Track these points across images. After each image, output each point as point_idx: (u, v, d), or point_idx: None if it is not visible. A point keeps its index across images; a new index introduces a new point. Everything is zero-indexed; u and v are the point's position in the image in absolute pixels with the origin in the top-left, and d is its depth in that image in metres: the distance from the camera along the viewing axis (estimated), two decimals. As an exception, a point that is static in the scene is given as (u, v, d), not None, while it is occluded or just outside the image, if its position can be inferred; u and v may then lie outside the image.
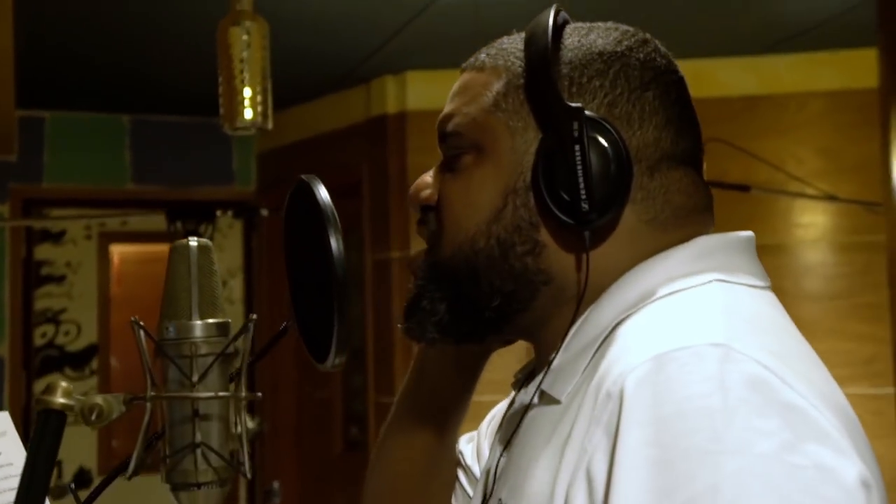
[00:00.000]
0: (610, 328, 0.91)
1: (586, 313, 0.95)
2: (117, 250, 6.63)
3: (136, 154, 5.74)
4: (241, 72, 2.39)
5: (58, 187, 5.59)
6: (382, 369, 4.85)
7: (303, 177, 0.94)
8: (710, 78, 4.96)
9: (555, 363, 0.94)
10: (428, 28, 4.25)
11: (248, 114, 2.40)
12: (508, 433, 0.99)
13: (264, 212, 3.79)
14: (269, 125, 2.45)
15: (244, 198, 5.59)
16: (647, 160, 0.94)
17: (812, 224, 4.84)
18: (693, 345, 0.81)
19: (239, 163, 5.74)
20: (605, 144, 0.91)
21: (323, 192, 0.91)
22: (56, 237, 5.73)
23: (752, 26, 4.63)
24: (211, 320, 0.91)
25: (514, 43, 1.01)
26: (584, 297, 0.94)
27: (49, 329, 5.71)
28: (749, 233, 0.98)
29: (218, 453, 0.89)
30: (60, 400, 0.89)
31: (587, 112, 0.91)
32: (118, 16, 4.34)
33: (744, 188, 3.56)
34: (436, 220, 1.02)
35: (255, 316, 0.91)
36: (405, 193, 1.05)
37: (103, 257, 5.90)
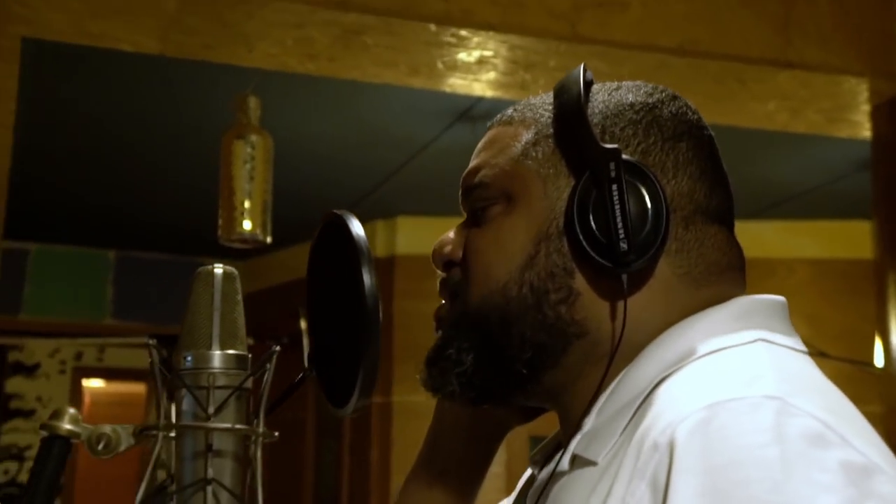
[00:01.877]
0: (650, 388, 0.86)
1: (621, 375, 0.90)
2: (90, 390, 6.51)
3: (118, 289, 5.69)
4: (243, 183, 2.37)
5: (35, 320, 5.52)
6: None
7: (336, 211, 0.90)
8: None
9: (588, 426, 0.89)
10: (420, 173, 4.29)
11: (247, 225, 2.38)
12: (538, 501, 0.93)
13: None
14: (268, 238, 2.43)
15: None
16: (682, 210, 0.92)
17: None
18: (747, 396, 0.76)
19: (222, 304, 5.67)
20: (642, 187, 0.88)
21: (357, 227, 0.88)
22: (29, 370, 5.63)
23: (740, 190, 4.67)
24: (231, 351, 0.86)
25: (541, 99, 1.00)
26: (618, 348, 0.89)
27: (12, 466, 5.55)
28: (782, 298, 0.94)
29: (230, 491, 0.83)
30: (67, 426, 0.83)
31: (625, 156, 0.89)
32: (109, 153, 4.37)
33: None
34: (462, 273, 0.98)
35: (278, 347, 0.86)
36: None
37: (76, 393, 5.79)
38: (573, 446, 0.88)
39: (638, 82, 1.00)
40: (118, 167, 4.54)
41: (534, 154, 0.95)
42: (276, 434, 0.89)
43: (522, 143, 0.96)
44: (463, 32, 2.49)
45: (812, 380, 0.85)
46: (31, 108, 3.80)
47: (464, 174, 1.00)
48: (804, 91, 2.87)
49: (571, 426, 0.93)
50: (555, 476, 0.90)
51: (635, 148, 0.92)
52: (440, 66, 2.64)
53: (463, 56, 2.60)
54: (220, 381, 0.84)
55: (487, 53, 2.58)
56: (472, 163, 1.00)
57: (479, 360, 0.94)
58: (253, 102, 2.56)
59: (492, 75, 2.68)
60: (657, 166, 0.92)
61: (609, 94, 0.96)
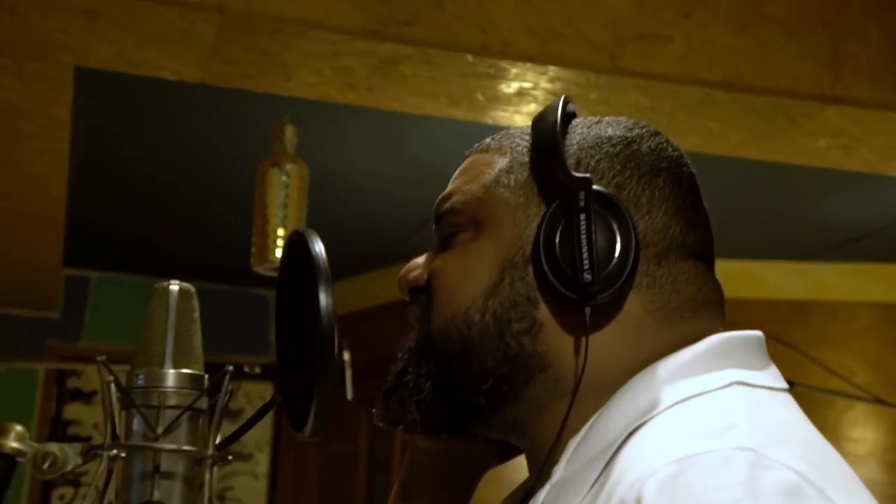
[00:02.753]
0: (622, 438, 0.83)
1: (592, 421, 0.86)
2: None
3: (176, 319, 5.73)
4: (277, 211, 2.37)
5: (95, 347, 5.58)
6: None
7: (299, 230, 0.89)
8: (757, 279, 4.91)
9: (557, 476, 0.85)
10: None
11: (279, 252, 2.37)
12: None
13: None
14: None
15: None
16: (654, 246, 0.89)
17: (862, 439, 4.69)
18: (718, 448, 0.72)
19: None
20: (612, 219, 0.86)
21: (318, 245, 0.86)
22: (87, 396, 5.69)
23: (800, 231, 4.61)
24: (185, 370, 0.84)
25: (520, 130, 0.99)
26: (579, 384, 0.86)
27: (68, 492, 5.60)
28: (759, 332, 0.91)
29: (176, 514, 0.80)
30: (13, 444, 0.82)
31: (595, 186, 0.87)
32: (168, 185, 4.42)
33: (788, 384, 3.43)
34: (426, 297, 0.96)
35: (231, 368, 0.84)
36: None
37: (132, 421, 5.83)
38: (542, 497, 0.85)
39: (621, 118, 0.99)
40: (178, 199, 4.59)
41: (506, 182, 0.94)
42: (230, 458, 0.88)
43: (496, 170, 0.95)
44: (501, 64, 2.48)
45: (791, 426, 0.81)
46: (87, 137, 3.86)
47: (436, 201, 0.98)
48: (855, 128, 2.80)
49: (538, 467, 0.90)
50: None
51: (610, 181, 0.90)
52: (480, 97, 2.62)
53: (503, 87, 2.58)
54: (172, 401, 0.83)
55: (527, 85, 2.56)
56: (446, 190, 0.98)
57: (437, 387, 0.92)
58: (289, 131, 2.56)
59: (532, 107, 2.66)
60: (632, 200, 0.90)
61: (588, 128, 0.95)
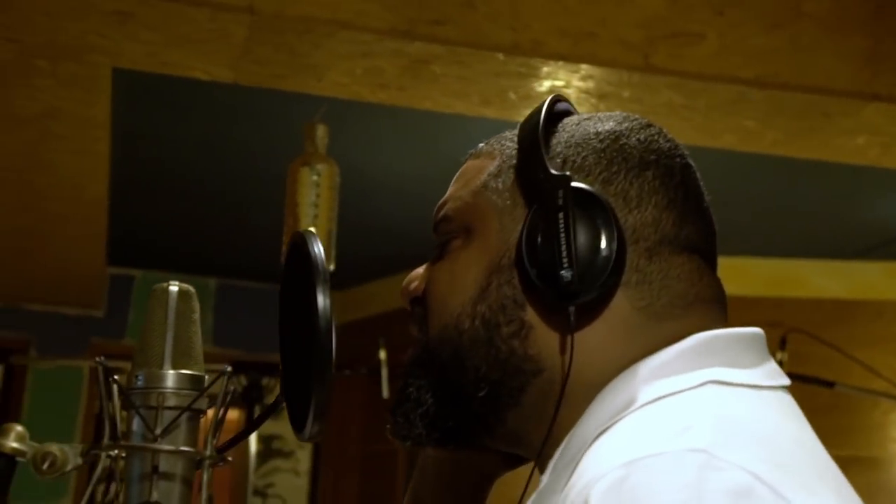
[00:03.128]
0: (592, 440, 0.81)
1: (576, 426, 0.85)
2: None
3: (218, 317, 5.78)
4: (308, 211, 2.37)
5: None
6: None
7: (299, 231, 0.88)
8: (800, 279, 4.86)
9: (543, 483, 0.85)
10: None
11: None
12: None
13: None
14: (332, 267, 2.42)
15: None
16: (644, 241, 0.87)
17: (908, 439, 4.63)
18: (669, 450, 0.71)
19: (318, 334, 5.73)
20: (595, 216, 0.84)
21: (317, 247, 0.85)
22: (130, 394, 5.73)
23: (843, 231, 4.55)
24: (185, 371, 0.84)
25: (512, 133, 0.97)
26: (565, 386, 0.84)
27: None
28: (758, 329, 0.89)
29: (173, 515, 0.81)
30: (12, 444, 0.83)
31: (575, 183, 0.85)
32: (206, 185, 4.45)
33: (828, 384, 3.39)
34: (422, 309, 0.96)
35: (229, 368, 0.85)
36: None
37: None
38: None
39: (614, 112, 0.97)
40: (209, 197, 4.63)
41: (494, 186, 0.93)
42: (230, 459, 0.88)
43: (486, 175, 0.94)
44: (533, 62, 2.47)
45: (758, 425, 0.78)
46: (126, 138, 3.90)
47: (435, 208, 0.98)
48: (894, 126, 2.76)
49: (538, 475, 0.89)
50: None
51: (597, 177, 0.89)
52: (512, 96, 2.61)
53: (535, 86, 2.57)
54: (171, 402, 0.83)
55: (558, 83, 2.55)
56: (443, 197, 0.98)
57: (437, 398, 0.91)
58: (320, 130, 2.57)
59: (564, 106, 2.64)
60: (619, 195, 0.88)
61: (577, 125, 0.94)
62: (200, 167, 4.27)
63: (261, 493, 5.82)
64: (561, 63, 2.46)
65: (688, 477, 0.67)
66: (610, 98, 2.58)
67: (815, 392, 3.70)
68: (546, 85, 2.55)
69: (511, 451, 0.96)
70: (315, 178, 2.43)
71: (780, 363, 3.37)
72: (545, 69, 2.48)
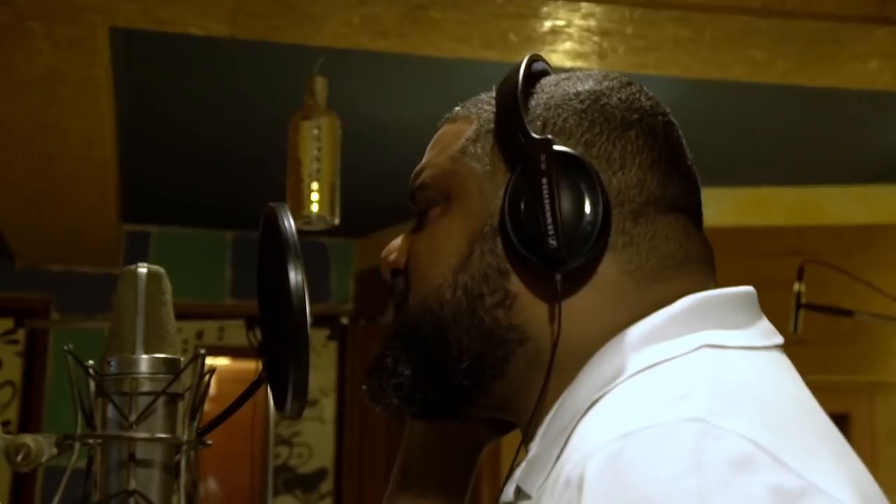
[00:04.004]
0: (584, 409, 0.79)
1: (565, 393, 0.82)
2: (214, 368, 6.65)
3: (236, 270, 5.78)
4: (310, 165, 2.34)
5: (159, 301, 5.64)
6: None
7: (271, 204, 0.85)
8: (817, 207, 4.80)
9: (532, 452, 0.82)
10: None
11: (315, 207, 2.35)
12: None
13: (344, 320, 3.71)
14: (336, 220, 2.40)
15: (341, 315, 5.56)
16: (630, 203, 0.84)
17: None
18: (665, 421, 0.68)
19: (337, 282, 5.73)
20: (579, 180, 0.81)
21: (286, 220, 0.83)
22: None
23: (862, 155, 4.49)
24: (158, 355, 0.82)
25: (489, 94, 0.94)
26: (554, 354, 0.82)
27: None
28: (749, 288, 0.86)
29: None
30: (-15, 438, 0.81)
31: (557, 147, 0.82)
32: (213, 139, 4.42)
33: (846, 312, 3.36)
34: (402, 280, 0.93)
35: (203, 350, 0.82)
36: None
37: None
38: (517, 475, 0.82)
39: (593, 71, 0.93)
40: (216, 151, 4.61)
41: (472, 151, 0.90)
42: (209, 442, 0.86)
43: (463, 140, 0.91)
44: (532, 3, 2.41)
45: (760, 387, 0.76)
46: (131, 97, 3.86)
47: (411, 176, 0.94)
48: (907, 49, 2.70)
49: (525, 445, 0.86)
50: None
51: (578, 139, 0.85)
52: (513, 38, 2.56)
53: (535, 27, 2.52)
54: (145, 387, 0.81)
55: (560, 23, 2.49)
56: (419, 164, 0.94)
57: (418, 373, 0.89)
58: (319, 83, 2.53)
59: (567, 45, 2.59)
60: (602, 157, 0.85)
61: (556, 85, 0.90)
62: (209, 122, 4.24)
63: (287, 442, 5.85)
64: (561, 2, 2.40)
65: (686, 447, 0.65)
66: (613, 35, 2.52)
67: (836, 320, 3.67)
68: (547, 25, 2.50)
69: (497, 416, 0.94)
70: (316, 131, 2.39)
71: (799, 294, 3.33)
72: (545, 9, 2.43)
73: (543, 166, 0.81)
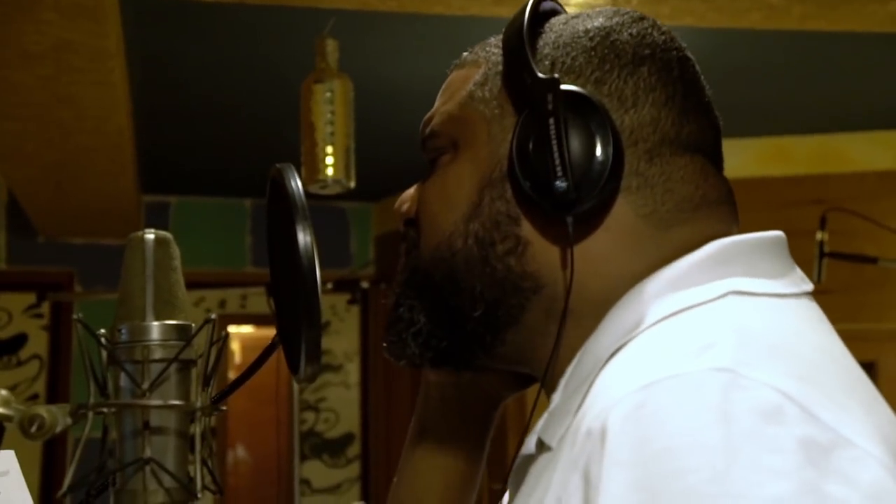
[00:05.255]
0: (605, 359, 0.77)
1: (587, 342, 0.80)
2: (240, 336, 6.66)
3: (256, 237, 5.78)
4: (324, 129, 2.32)
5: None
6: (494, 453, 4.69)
7: (277, 165, 0.84)
8: (838, 153, 4.75)
9: (554, 403, 0.80)
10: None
11: (330, 171, 2.33)
12: (514, 489, 0.85)
13: (364, 284, 3.70)
14: (352, 184, 2.38)
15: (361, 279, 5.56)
16: (644, 142, 0.81)
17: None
18: (691, 371, 0.66)
19: (357, 246, 5.73)
20: (588, 119, 0.79)
21: (294, 181, 0.81)
22: (177, 320, 5.78)
23: (884, 100, 4.43)
24: (169, 322, 0.81)
25: (496, 38, 0.91)
26: (568, 300, 0.80)
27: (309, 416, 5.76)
28: (779, 232, 0.83)
29: (169, 472, 0.78)
30: (-1, 409, 0.80)
31: (564, 86, 0.80)
32: (229, 106, 4.40)
33: (870, 259, 3.32)
34: (414, 230, 0.91)
35: (214, 315, 0.81)
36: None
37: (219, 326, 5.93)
38: (539, 426, 0.80)
39: (604, 7, 0.90)
40: (233, 118, 4.59)
41: (480, 95, 0.87)
42: (224, 408, 0.85)
43: (471, 84, 0.88)
44: (543, -45, 2.38)
45: (788, 338, 0.73)
46: (144, 65, 3.84)
47: (421, 125, 0.92)
48: (927, -11, 2.65)
49: (545, 397, 0.85)
50: (525, 459, 0.82)
51: (588, 77, 0.82)
52: (525, -8, 2.53)
53: (547, -20, 2.48)
54: (157, 354, 0.79)
55: (571, -25, 2.46)
56: (428, 113, 0.92)
57: (432, 319, 0.87)
58: (330, 46, 2.50)
59: (580, -2, 2.56)
60: (614, 95, 0.82)
61: (565, 24, 0.87)
62: (224, 88, 4.22)
63: (313, 407, 5.88)
64: (572, -47, 2.37)
65: (713, 398, 0.63)
66: (627, -14, 2.49)
67: (860, 268, 3.63)
68: (559, -23, 2.46)
69: (514, 369, 0.92)
70: (328, 94, 2.37)
71: (822, 243, 3.30)
72: (557, -39, 2.39)
73: (550, 106, 0.79)
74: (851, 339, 0.88)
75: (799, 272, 0.82)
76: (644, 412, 0.64)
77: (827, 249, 3.24)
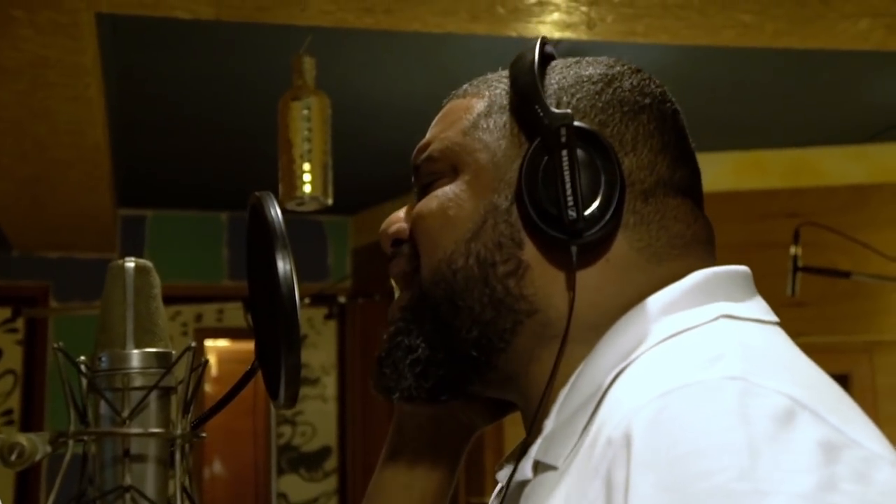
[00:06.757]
0: (610, 380, 0.80)
1: (580, 367, 0.83)
2: (216, 350, 6.65)
3: (233, 251, 5.77)
4: (301, 146, 2.33)
5: (157, 284, 5.64)
6: (473, 470, 4.70)
7: (256, 193, 0.85)
8: (811, 167, 4.79)
9: (548, 428, 0.83)
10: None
11: (308, 188, 2.34)
12: None
13: (342, 298, 3.70)
14: (329, 200, 2.38)
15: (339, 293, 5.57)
16: (640, 183, 0.86)
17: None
18: (706, 379, 0.70)
19: (334, 259, 5.72)
20: (596, 156, 0.83)
21: (273, 210, 0.82)
22: (153, 334, 5.76)
23: (856, 115, 4.47)
24: (149, 349, 0.81)
25: (498, 74, 0.96)
26: (569, 326, 0.82)
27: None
28: (745, 268, 0.88)
29: (150, 499, 0.78)
30: (-21, 437, 0.80)
31: (577, 122, 0.84)
32: (205, 122, 4.40)
33: (843, 274, 3.35)
34: (411, 248, 0.93)
35: (194, 344, 0.82)
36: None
37: (199, 353, 5.92)
38: (534, 451, 0.82)
39: (601, 57, 0.95)
40: (210, 133, 4.59)
41: (484, 125, 0.90)
42: (203, 435, 0.85)
43: (474, 115, 0.92)
44: (518, -26, 2.40)
45: (780, 354, 0.78)
46: (120, 81, 3.84)
47: (414, 151, 0.95)
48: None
49: (530, 421, 0.86)
50: (519, 484, 0.84)
51: (592, 119, 0.87)
52: (501, 10, 2.55)
53: (522, -2, 2.50)
54: (137, 382, 0.80)
55: (546, -6, 2.48)
56: (424, 139, 0.95)
57: (430, 344, 0.89)
58: (307, 63, 2.51)
59: (555, 16, 2.58)
60: (615, 138, 0.87)
61: (567, 68, 0.92)
62: (201, 104, 4.22)
63: (290, 421, 5.87)
64: (547, -28, 2.39)
65: (730, 403, 0.67)
66: (600, 4, 2.51)
67: (834, 281, 3.66)
68: (534, -4, 2.48)
69: (501, 396, 0.94)
70: (305, 112, 2.38)
71: (795, 257, 3.33)
72: (531, -20, 2.41)
73: (563, 139, 0.82)
74: (825, 352, 0.91)
75: (766, 304, 0.87)
76: (666, 416, 0.68)
77: (801, 263, 3.27)
